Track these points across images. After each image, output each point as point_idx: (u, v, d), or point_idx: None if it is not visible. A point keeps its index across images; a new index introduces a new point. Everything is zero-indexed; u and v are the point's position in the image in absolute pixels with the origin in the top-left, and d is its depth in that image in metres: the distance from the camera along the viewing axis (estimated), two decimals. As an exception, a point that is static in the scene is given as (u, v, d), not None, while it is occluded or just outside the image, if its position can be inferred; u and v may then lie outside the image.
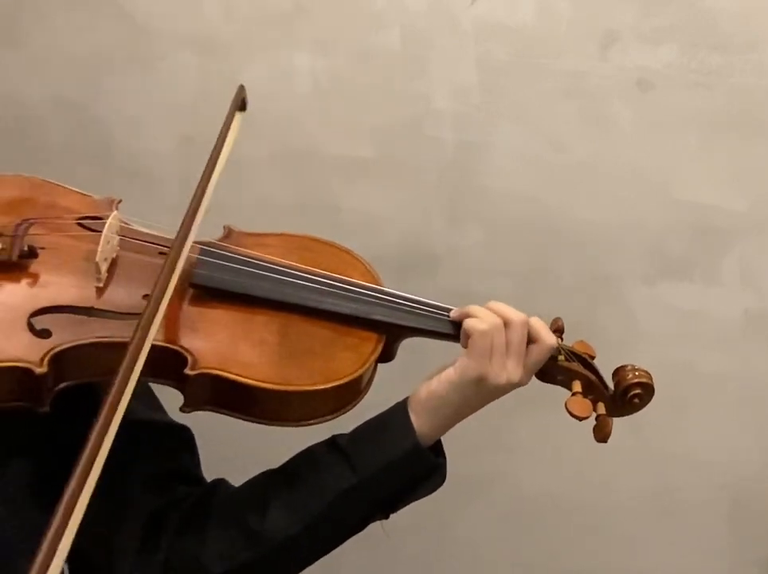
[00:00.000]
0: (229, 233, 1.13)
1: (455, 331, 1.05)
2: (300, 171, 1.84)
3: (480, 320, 1.02)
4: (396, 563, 1.96)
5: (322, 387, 0.99)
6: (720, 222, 1.74)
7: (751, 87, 1.66)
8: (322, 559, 1.09)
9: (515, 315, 1.03)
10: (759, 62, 1.65)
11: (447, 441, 1.07)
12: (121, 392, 0.79)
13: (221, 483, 1.12)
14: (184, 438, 1.16)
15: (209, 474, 1.16)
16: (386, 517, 1.07)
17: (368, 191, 1.82)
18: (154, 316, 0.87)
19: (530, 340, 1.04)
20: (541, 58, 1.71)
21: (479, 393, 1.02)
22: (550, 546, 1.96)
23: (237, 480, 1.13)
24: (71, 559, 1.10)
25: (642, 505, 1.91)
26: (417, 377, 1.06)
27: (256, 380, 0.97)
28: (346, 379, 1.00)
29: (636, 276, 1.80)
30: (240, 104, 1.14)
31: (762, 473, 1.86)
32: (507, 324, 1.02)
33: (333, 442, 1.06)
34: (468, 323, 1.02)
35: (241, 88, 1.15)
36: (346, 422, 1.05)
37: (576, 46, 1.70)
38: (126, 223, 1.08)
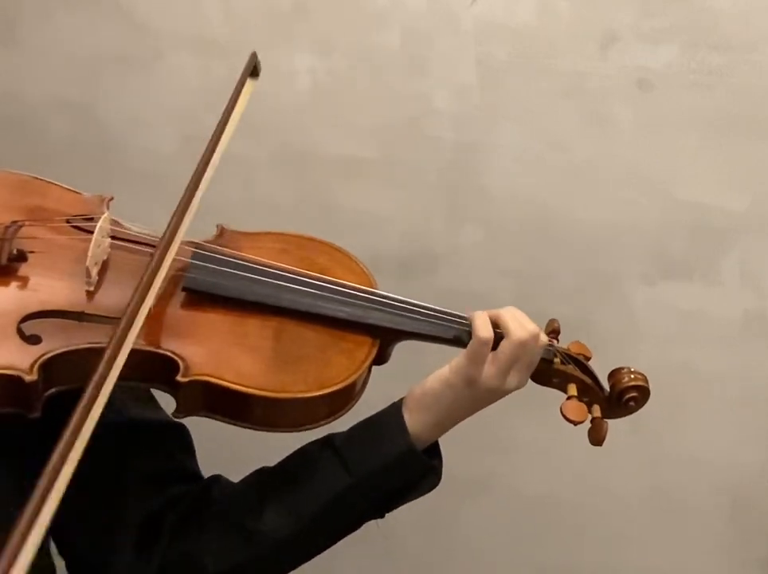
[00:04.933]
0: (222, 233, 1.10)
1: (450, 334, 1.04)
2: (300, 171, 1.84)
3: (484, 328, 1.01)
4: (396, 563, 1.96)
5: (316, 393, 0.97)
6: (720, 222, 1.74)
7: (751, 87, 1.66)
8: (321, 558, 1.09)
9: (534, 329, 1.02)
10: (759, 62, 1.65)
11: (447, 441, 1.07)
12: (94, 398, 0.76)
13: (217, 480, 1.12)
14: (181, 436, 1.15)
15: (206, 470, 1.16)
16: (382, 517, 1.07)
17: (368, 191, 1.82)
18: (133, 318, 0.84)
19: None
20: (541, 58, 1.71)
21: (471, 394, 1.02)
22: (550, 546, 1.96)
23: (233, 475, 1.12)
24: (67, 559, 1.10)
25: (642, 504, 1.91)
26: (415, 375, 1.06)
27: (249, 387, 0.95)
28: (340, 385, 0.98)
29: (636, 276, 1.80)
30: (252, 71, 1.11)
31: (762, 472, 1.86)
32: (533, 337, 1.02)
33: (328, 442, 1.06)
34: (477, 327, 1.01)
35: (254, 55, 1.12)
36: (342, 419, 1.04)
37: (576, 46, 1.70)
38: (118, 223, 1.06)
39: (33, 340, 0.92)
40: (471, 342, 1.01)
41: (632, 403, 1.07)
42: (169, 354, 0.95)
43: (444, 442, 1.07)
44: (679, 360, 1.80)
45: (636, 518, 1.92)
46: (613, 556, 1.95)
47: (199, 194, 0.99)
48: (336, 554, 1.10)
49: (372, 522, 1.08)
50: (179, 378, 0.93)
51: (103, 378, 0.78)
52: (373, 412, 1.07)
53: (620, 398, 1.06)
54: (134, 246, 1.03)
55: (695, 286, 1.79)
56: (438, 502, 1.11)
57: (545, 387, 1.09)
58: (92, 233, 0.99)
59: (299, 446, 1.09)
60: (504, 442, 1.89)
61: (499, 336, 1.02)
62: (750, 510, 1.89)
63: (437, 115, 1.77)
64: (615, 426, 1.08)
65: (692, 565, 1.93)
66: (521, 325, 1.02)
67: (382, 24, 1.74)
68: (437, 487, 1.08)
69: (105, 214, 1.03)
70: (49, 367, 0.91)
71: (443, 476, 1.08)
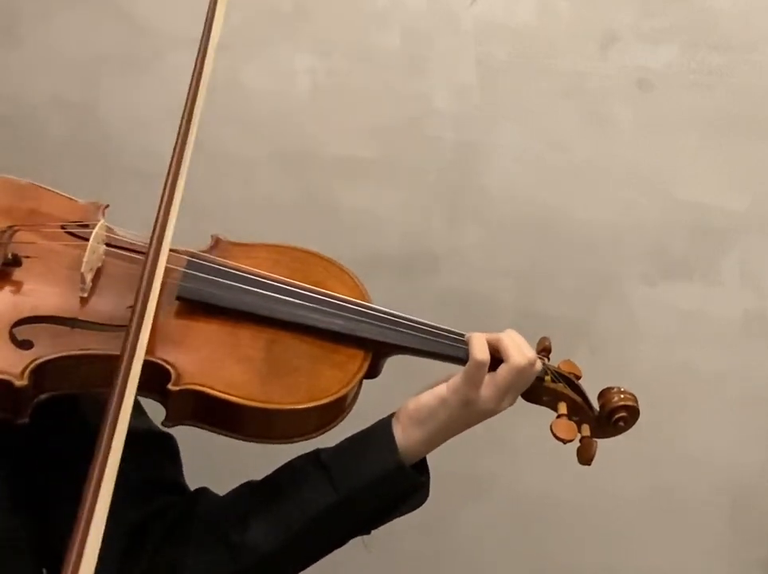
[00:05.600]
0: (216, 244, 1.10)
1: (444, 351, 1.04)
2: (300, 171, 1.84)
3: (480, 351, 1.01)
4: (396, 563, 1.96)
5: (306, 405, 0.97)
6: (720, 222, 1.74)
7: (751, 87, 1.66)
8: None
9: (533, 356, 1.03)
10: (759, 62, 1.65)
11: (448, 440, 1.07)
12: (118, 411, 0.76)
13: (203, 493, 1.11)
14: (167, 446, 1.14)
15: (192, 482, 1.15)
16: (368, 533, 1.07)
17: (368, 191, 1.82)
18: (140, 328, 0.85)
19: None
20: (541, 58, 1.71)
21: (466, 414, 1.02)
22: (550, 546, 1.96)
23: (221, 488, 1.12)
24: (52, 570, 1.09)
25: (642, 504, 1.91)
26: (406, 389, 1.06)
27: (239, 398, 0.95)
28: (331, 398, 0.98)
29: (636, 276, 1.80)
30: None
31: (762, 472, 1.86)
32: (531, 364, 1.02)
33: (316, 457, 1.05)
34: (474, 350, 1.01)
35: None
36: (332, 432, 1.04)
37: (576, 46, 1.70)
38: (113, 230, 1.06)
39: (25, 345, 0.93)
40: (468, 364, 1.01)
41: (621, 423, 1.07)
42: (161, 362, 0.95)
43: (445, 442, 1.06)
44: (679, 360, 1.80)
45: (636, 518, 1.92)
46: (613, 556, 1.95)
47: (185, 166, 0.99)
48: (335, 553, 1.09)
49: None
50: (170, 386, 0.94)
51: (122, 393, 0.78)
52: (365, 425, 1.06)
53: (609, 417, 1.07)
54: (128, 254, 1.03)
55: (695, 286, 1.79)
56: (438, 502, 1.11)
57: (535, 405, 1.09)
58: (86, 239, 1.00)
59: (287, 459, 1.08)
60: (504, 442, 1.88)
61: (496, 359, 1.02)
62: (750, 510, 1.89)
63: (437, 115, 1.77)
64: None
65: (692, 565, 1.93)
66: (520, 352, 1.02)
67: (382, 24, 1.74)
68: (437, 487, 1.07)
69: (101, 221, 1.04)
70: (41, 372, 0.91)
71: (443, 476, 1.08)
